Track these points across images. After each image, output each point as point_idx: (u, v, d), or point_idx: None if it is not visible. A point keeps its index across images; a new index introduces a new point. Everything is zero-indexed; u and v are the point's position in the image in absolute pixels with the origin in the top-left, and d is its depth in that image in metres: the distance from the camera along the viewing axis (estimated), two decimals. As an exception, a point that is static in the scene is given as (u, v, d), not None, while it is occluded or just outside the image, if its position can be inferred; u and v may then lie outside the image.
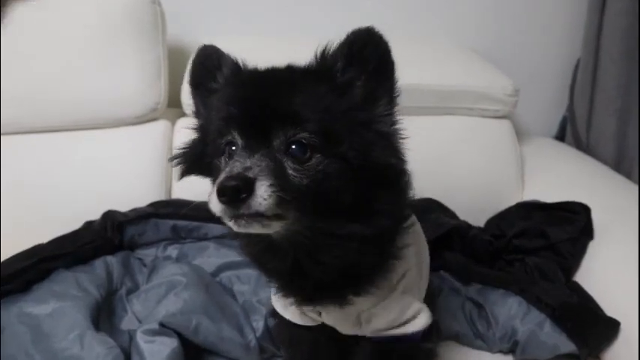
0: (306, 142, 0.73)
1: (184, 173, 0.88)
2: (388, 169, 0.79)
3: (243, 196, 0.67)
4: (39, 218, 1.52)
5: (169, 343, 1.09)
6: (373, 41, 0.79)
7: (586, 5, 1.82)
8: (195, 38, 1.73)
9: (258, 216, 0.69)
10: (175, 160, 0.88)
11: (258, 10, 1.85)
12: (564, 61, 1.99)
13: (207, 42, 0.88)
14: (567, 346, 1.20)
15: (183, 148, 0.88)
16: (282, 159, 0.73)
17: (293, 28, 1.87)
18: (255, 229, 0.71)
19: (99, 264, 1.35)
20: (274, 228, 0.73)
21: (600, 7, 1.74)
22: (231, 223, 0.71)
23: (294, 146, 0.73)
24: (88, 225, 1.45)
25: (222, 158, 0.78)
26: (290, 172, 0.73)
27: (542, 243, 1.44)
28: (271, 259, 0.84)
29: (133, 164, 1.57)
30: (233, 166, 0.70)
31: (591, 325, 1.23)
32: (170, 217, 1.44)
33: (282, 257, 0.82)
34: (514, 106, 1.69)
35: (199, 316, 1.13)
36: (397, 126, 0.82)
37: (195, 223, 1.44)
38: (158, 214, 1.44)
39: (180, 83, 1.62)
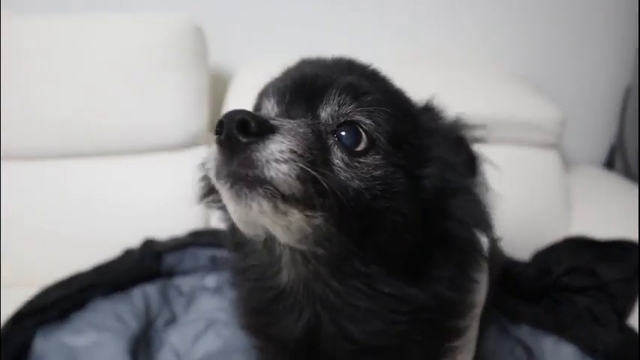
0: (366, 128, 0.56)
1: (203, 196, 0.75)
2: (466, 228, 0.61)
3: (251, 139, 0.48)
4: (79, 244, 1.52)
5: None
6: (460, 147, 0.70)
7: (637, 31, 1.75)
8: (236, 64, 1.76)
9: (268, 186, 0.49)
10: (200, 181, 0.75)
11: (301, 34, 1.83)
12: (613, 88, 1.92)
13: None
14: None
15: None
16: (326, 137, 0.56)
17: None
18: (261, 210, 0.48)
19: (136, 294, 1.34)
20: (291, 223, 0.51)
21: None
22: (225, 190, 0.49)
23: (345, 132, 0.56)
24: (128, 253, 1.45)
25: None
26: (335, 160, 0.55)
27: (592, 282, 1.37)
28: (277, 319, 0.62)
29: (174, 191, 1.56)
30: None
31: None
32: (209, 246, 1.43)
33: (293, 317, 0.61)
34: (560, 136, 1.63)
35: (239, 357, 1.10)
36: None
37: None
38: (197, 243, 1.43)
39: (221, 108, 1.62)
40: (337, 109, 0.56)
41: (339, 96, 0.56)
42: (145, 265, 1.41)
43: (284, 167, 0.49)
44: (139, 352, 1.19)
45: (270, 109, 0.59)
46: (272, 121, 0.50)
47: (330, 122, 0.57)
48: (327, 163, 0.54)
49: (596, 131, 1.99)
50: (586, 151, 1.99)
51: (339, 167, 0.55)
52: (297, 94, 0.57)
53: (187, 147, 1.58)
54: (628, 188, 1.73)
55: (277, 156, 0.49)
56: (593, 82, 1.93)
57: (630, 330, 1.28)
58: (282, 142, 0.50)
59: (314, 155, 0.52)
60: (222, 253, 1.42)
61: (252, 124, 0.47)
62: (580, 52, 1.88)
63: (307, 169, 0.49)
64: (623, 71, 1.86)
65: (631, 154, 1.82)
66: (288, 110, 0.57)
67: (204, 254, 1.42)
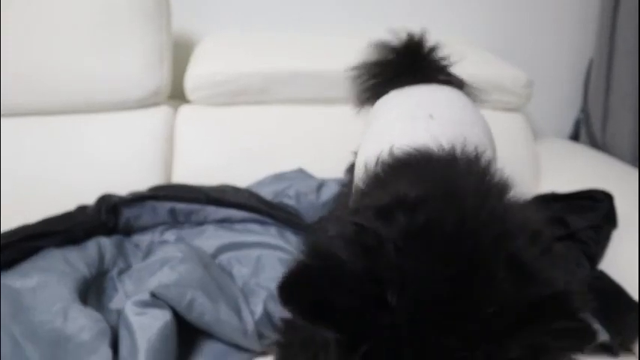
0: None
1: None
2: None
3: None
4: (32, 203, 1.43)
5: (161, 317, 0.99)
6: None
7: (598, 3, 1.80)
8: (202, 30, 1.73)
9: None
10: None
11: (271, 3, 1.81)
12: (576, 62, 1.95)
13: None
14: (600, 334, 1.10)
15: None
16: None
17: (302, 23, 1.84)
18: None
19: (91, 244, 1.26)
20: None
21: (613, 5, 1.71)
22: None
23: None
24: (81, 208, 1.37)
25: None
26: None
27: (562, 232, 1.35)
28: None
29: (133, 149, 1.51)
30: None
31: (624, 312, 1.13)
32: (168, 199, 1.36)
33: None
34: (528, 98, 1.64)
35: (195, 292, 1.03)
36: None
37: (194, 206, 1.35)
38: (155, 197, 1.36)
39: (184, 75, 1.58)
40: None
41: None
42: (101, 220, 1.33)
43: None
44: (90, 298, 1.11)
45: None
46: None
47: None
48: None
49: (561, 106, 2.01)
50: (552, 125, 2.00)
51: None
52: None
53: (147, 105, 1.53)
54: (594, 155, 1.75)
55: None
56: (558, 57, 1.96)
57: (600, 271, 1.26)
58: None
59: None
60: (181, 207, 1.37)
61: None
62: (541, 26, 1.91)
63: None
64: (586, 44, 1.89)
65: (595, 125, 1.84)
66: None
67: (164, 208, 1.35)
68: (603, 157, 1.73)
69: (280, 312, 1.08)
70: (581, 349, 0.55)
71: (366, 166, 0.80)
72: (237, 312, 1.05)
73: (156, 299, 1.01)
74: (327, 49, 1.63)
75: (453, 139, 0.76)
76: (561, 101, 2.00)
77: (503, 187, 0.70)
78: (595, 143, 1.85)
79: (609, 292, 1.17)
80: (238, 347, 1.07)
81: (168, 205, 1.36)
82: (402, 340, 0.52)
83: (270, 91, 1.53)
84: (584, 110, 1.91)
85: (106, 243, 1.27)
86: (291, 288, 0.53)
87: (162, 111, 1.55)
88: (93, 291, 1.15)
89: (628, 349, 1.17)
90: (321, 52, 1.61)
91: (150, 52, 1.49)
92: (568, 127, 2.01)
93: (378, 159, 0.78)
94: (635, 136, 1.72)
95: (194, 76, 1.53)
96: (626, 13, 1.67)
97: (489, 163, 0.75)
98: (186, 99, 1.58)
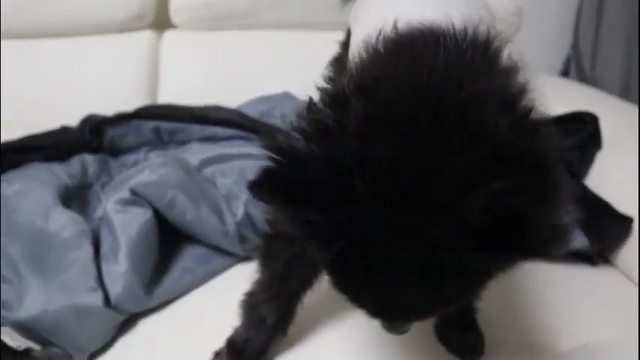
0: None
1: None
2: None
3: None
4: (18, 124, 1.42)
5: (142, 214, 0.99)
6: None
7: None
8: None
9: None
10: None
11: None
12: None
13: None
14: (579, 241, 1.11)
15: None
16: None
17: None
18: None
19: (75, 160, 1.26)
20: None
21: None
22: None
23: None
24: (66, 129, 1.36)
25: None
26: None
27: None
28: None
29: (118, 73, 1.50)
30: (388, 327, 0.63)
31: (604, 220, 1.14)
32: (152, 118, 1.35)
33: None
34: (518, 28, 1.63)
35: (175, 191, 1.03)
36: None
37: (178, 125, 1.34)
38: (140, 116, 1.36)
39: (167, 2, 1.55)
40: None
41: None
42: (85, 139, 1.33)
43: None
44: (74, 208, 1.11)
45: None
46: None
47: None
48: None
49: (551, 44, 1.99)
50: (542, 63, 1.99)
51: None
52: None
53: (132, 29, 1.51)
54: (583, 89, 1.74)
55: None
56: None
57: (583, 185, 1.27)
58: None
59: None
60: (166, 125, 1.37)
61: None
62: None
63: None
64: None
65: (585, 60, 1.84)
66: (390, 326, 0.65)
67: (148, 127, 1.35)
68: (593, 91, 1.72)
69: (259, 214, 1.08)
70: (546, 209, 0.52)
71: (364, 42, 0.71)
72: (219, 213, 1.05)
73: (136, 197, 1.01)
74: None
75: (466, 19, 0.66)
76: (551, 39, 1.99)
77: (506, 69, 0.64)
78: (584, 79, 1.84)
79: (591, 202, 1.17)
80: (221, 251, 1.08)
81: (152, 124, 1.35)
82: (372, 228, 0.52)
83: (256, 14, 1.51)
84: (575, 47, 1.90)
85: (90, 159, 1.27)
86: (260, 185, 0.53)
87: (147, 35, 1.53)
88: (76, 202, 1.15)
89: (607, 261, 1.18)
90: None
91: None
92: (558, 64, 2.00)
93: (379, 33, 0.68)
94: (623, 69, 1.72)
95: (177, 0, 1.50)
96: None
97: (495, 45, 0.65)
98: (172, 25, 1.56)
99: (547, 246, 0.52)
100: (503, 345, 0.89)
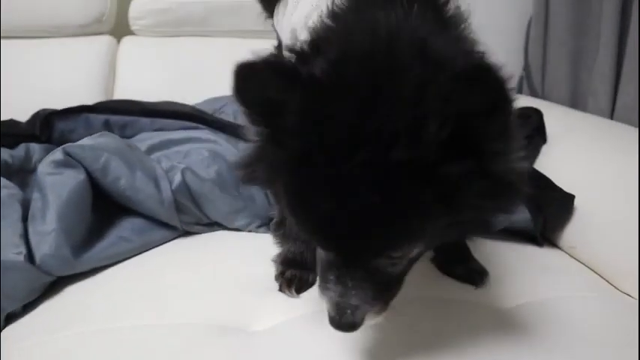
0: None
1: (245, 182, 0.76)
2: None
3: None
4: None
5: (74, 176, 0.97)
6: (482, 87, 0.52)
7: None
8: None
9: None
10: (237, 167, 0.72)
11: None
12: (520, 23, 2.02)
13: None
14: (520, 209, 1.11)
15: (245, 157, 0.69)
16: (378, 265, 0.62)
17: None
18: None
19: (21, 146, 1.25)
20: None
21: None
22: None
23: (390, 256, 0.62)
24: (15, 122, 1.36)
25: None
26: (387, 269, 0.63)
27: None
28: None
29: (74, 76, 1.52)
30: (338, 294, 0.60)
31: (546, 194, 1.14)
32: (102, 111, 1.35)
33: None
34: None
35: (110, 155, 1.02)
36: None
37: (129, 118, 1.35)
38: (89, 109, 1.36)
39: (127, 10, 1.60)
40: (382, 263, 0.62)
41: (382, 257, 0.62)
42: (34, 132, 1.32)
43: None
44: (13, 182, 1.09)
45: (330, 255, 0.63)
46: (354, 301, 0.60)
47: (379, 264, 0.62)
48: (381, 279, 0.62)
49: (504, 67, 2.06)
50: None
51: (388, 271, 0.63)
52: (347, 254, 0.61)
53: (90, 33, 1.54)
54: (533, 100, 1.79)
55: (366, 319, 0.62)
56: (499, 20, 2.02)
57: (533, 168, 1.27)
58: (365, 311, 0.61)
59: (377, 289, 0.61)
60: (116, 119, 1.37)
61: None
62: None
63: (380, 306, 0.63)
64: (527, 4, 1.96)
65: (535, 76, 1.90)
66: (344, 265, 0.61)
67: (98, 120, 1.35)
68: (540, 101, 1.77)
69: (197, 184, 1.07)
70: (500, 122, 0.55)
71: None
72: (155, 180, 1.04)
73: (70, 159, 0.99)
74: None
75: None
76: (505, 61, 2.05)
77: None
78: (535, 93, 1.91)
79: (537, 179, 1.18)
80: (159, 224, 1.05)
81: (102, 117, 1.35)
82: (331, 130, 0.55)
83: (211, 21, 1.56)
84: (525, 67, 1.98)
85: (36, 147, 1.26)
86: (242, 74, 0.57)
87: (105, 40, 1.57)
88: (17, 183, 1.13)
89: (553, 244, 1.18)
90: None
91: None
92: (512, 85, 2.06)
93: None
94: (570, 82, 1.78)
95: (138, 5, 1.56)
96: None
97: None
98: (131, 31, 1.60)
99: (503, 176, 0.58)
100: (451, 301, 0.90)
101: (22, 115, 1.38)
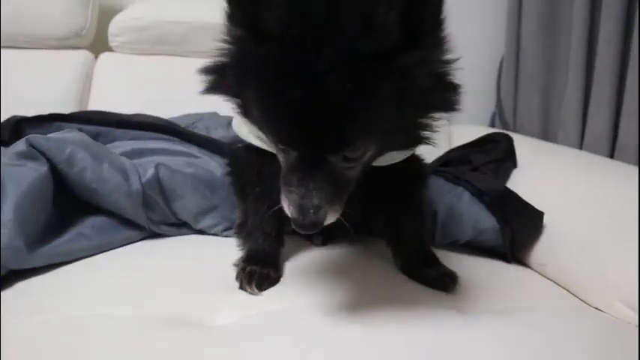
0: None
1: (209, 90, 0.78)
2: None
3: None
4: None
5: (37, 167, 0.95)
6: None
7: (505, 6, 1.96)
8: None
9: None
10: (204, 72, 0.76)
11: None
12: (491, 62, 2.09)
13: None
14: (487, 220, 1.11)
15: (215, 62, 0.74)
16: (336, 167, 0.68)
17: None
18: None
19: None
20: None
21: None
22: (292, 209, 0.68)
23: (347, 158, 0.69)
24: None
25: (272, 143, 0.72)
26: (344, 172, 0.69)
27: (466, 168, 1.39)
28: None
29: (50, 88, 1.51)
30: (300, 196, 0.66)
31: (515, 208, 1.15)
32: (75, 120, 1.33)
33: None
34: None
35: (76, 147, 0.99)
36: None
37: (102, 128, 1.33)
38: (62, 117, 1.34)
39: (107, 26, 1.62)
40: (340, 159, 0.68)
41: (342, 153, 0.67)
42: (3, 138, 1.30)
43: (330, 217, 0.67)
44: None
45: (294, 154, 0.68)
46: (317, 200, 0.65)
47: (337, 161, 0.68)
48: (340, 180, 0.69)
49: (477, 106, 2.12)
50: (471, 120, 2.09)
51: (346, 173, 0.70)
52: (310, 153, 0.67)
53: (69, 47, 1.55)
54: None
55: (328, 218, 0.67)
56: (474, 58, 2.09)
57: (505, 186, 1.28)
58: (328, 212, 0.67)
59: (337, 190, 0.68)
60: (89, 128, 1.35)
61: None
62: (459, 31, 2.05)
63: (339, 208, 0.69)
64: (499, 45, 2.04)
65: (507, 111, 1.95)
66: (306, 164, 0.67)
67: (71, 128, 1.33)
68: (515, 135, 1.81)
69: (169, 177, 1.06)
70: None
71: None
72: (123, 172, 1.02)
73: (33, 151, 0.96)
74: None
75: None
76: (477, 101, 2.11)
77: None
78: (507, 128, 1.94)
79: (508, 197, 1.19)
80: (123, 224, 1.03)
81: (74, 126, 1.32)
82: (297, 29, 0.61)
83: (189, 42, 1.58)
84: (498, 103, 2.03)
85: (2, 149, 1.23)
86: None
87: (83, 55, 1.57)
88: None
89: (522, 262, 1.18)
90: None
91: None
92: (486, 120, 2.11)
93: None
94: (541, 115, 1.82)
95: (117, 22, 1.57)
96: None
97: None
98: (109, 47, 1.61)
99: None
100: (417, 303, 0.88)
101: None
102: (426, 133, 0.76)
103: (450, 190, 1.19)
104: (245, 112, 0.77)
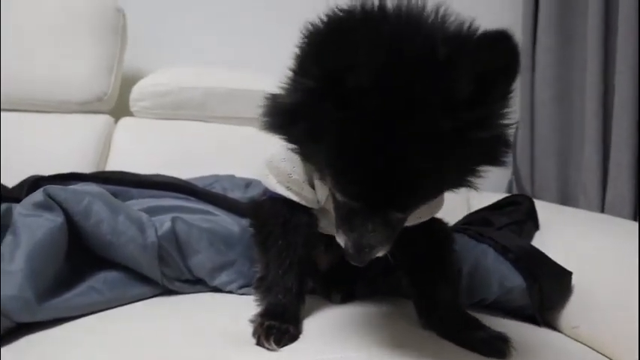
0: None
1: (273, 130, 0.79)
2: None
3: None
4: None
5: (52, 219, 0.93)
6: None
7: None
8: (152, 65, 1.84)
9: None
10: (268, 113, 0.77)
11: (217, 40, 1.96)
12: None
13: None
14: (515, 278, 1.06)
15: (281, 105, 0.75)
16: (392, 217, 0.73)
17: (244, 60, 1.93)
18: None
19: (4, 205, 1.21)
20: None
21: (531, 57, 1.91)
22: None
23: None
24: (4, 187, 1.34)
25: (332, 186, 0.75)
26: (397, 221, 0.74)
27: (487, 230, 1.35)
28: None
29: (69, 152, 1.52)
30: (360, 236, 0.71)
31: (542, 266, 1.10)
32: (93, 179, 1.33)
33: None
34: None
35: (93, 198, 0.98)
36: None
37: (119, 188, 1.33)
38: (80, 176, 1.34)
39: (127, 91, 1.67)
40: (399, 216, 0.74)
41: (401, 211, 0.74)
42: (20, 197, 1.29)
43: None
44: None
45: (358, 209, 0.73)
46: (372, 241, 0.72)
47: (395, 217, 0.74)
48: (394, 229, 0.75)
49: (494, 174, 2.10)
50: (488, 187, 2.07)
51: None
52: (375, 210, 0.72)
53: (90, 111, 1.58)
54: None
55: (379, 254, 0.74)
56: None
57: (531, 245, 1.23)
58: (380, 250, 0.73)
59: (391, 236, 0.74)
60: (107, 188, 1.35)
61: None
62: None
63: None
64: (513, 113, 2.05)
65: (525, 178, 1.93)
66: (368, 216, 0.72)
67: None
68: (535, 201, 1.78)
69: (185, 231, 1.03)
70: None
71: None
72: (139, 225, 1.00)
73: (50, 201, 0.95)
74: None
75: None
76: (493, 169, 2.09)
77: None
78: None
79: (535, 255, 1.14)
80: (135, 279, 1.00)
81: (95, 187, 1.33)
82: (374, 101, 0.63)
83: (208, 106, 1.61)
84: (515, 171, 2.01)
85: (18, 206, 1.22)
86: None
87: (104, 119, 1.60)
88: None
89: (551, 325, 1.12)
90: (259, 74, 1.72)
91: (101, 60, 1.59)
92: (503, 187, 2.09)
93: None
94: (559, 181, 1.80)
95: (139, 87, 1.61)
96: (542, 67, 1.86)
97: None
98: (129, 112, 1.64)
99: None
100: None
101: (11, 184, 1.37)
102: (471, 181, 0.76)
103: (474, 247, 1.15)
104: (305, 157, 0.82)
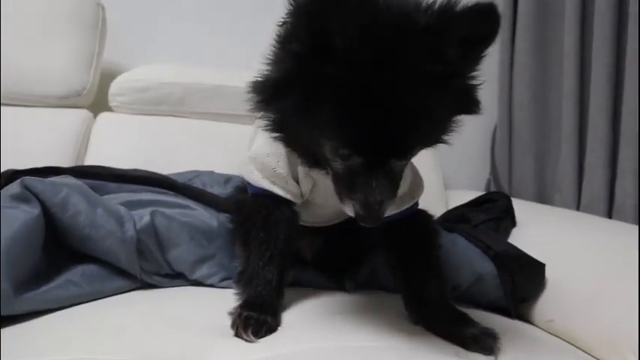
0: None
1: (263, 107, 0.81)
2: None
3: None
4: None
5: (29, 210, 0.92)
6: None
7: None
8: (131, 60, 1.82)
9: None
10: (254, 90, 0.79)
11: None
12: (485, 131, 2.12)
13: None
14: (485, 265, 1.09)
15: (268, 79, 0.78)
16: (393, 167, 0.75)
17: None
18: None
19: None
20: None
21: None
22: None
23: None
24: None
25: (331, 153, 0.77)
26: (397, 170, 0.77)
27: (464, 227, 1.37)
28: None
29: (48, 146, 1.51)
30: (367, 194, 0.73)
31: (514, 257, 1.13)
32: (70, 173, 1.31)
33: None
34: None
35: (70, 191, 0.97)
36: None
37: (97, 182, 1.31)
38: (57, 169, 1.33)
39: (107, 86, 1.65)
40: (399, 163, 0.77)
41: (402, 158, 0.77)
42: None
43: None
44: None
45: (358, 161, 0.76)
46: (379, 197, 0.74)
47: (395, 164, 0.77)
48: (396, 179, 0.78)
49: (471, 175, 2.13)
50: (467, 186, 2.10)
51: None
52: (374, 159, 0.75)
53: (69, 105, 1.57)
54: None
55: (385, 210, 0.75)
56: (468, 127, 2.12)
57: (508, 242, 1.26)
58: (388, 205, 0.75)
59: (394, 187, 0.77)
60: (85, 182, 1.34)
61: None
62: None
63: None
64: (492, 113, 2.08)
65: (503, 178, 1.96)
66: (370, 168, 0.74)
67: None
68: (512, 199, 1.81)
69: (165, 225, 1.03)
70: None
71: None
72: (118, 218, 0.99)
73: (27, 193, 0.94)
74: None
75: None
76: (471, 168, 2.13)
77: None
78: (503, 194, 1.95)
79: (508, 248, 1.17)
80: (113, 273, 0.99)
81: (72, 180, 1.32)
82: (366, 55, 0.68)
83: (187, 103, 1.61)
84: (493, 171, 2.04)
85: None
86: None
87: (82, 114, 1.58)
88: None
89: (524, 319, 1.14)
90: (240, 72, 1.71)
91: (80, 54, 1.57)
92: (481, 187, 2.12)
93: None
94: (537, 182, 1.83)
95: (118, 82, 1.60)
96: (520, 69, 1.89)
97: None
98: (108, 107, 1.63)
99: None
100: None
101: None
102: (448, 134, 0.83)
103: (445, 236, 1.16)
104: (290, 141, 0.85)
